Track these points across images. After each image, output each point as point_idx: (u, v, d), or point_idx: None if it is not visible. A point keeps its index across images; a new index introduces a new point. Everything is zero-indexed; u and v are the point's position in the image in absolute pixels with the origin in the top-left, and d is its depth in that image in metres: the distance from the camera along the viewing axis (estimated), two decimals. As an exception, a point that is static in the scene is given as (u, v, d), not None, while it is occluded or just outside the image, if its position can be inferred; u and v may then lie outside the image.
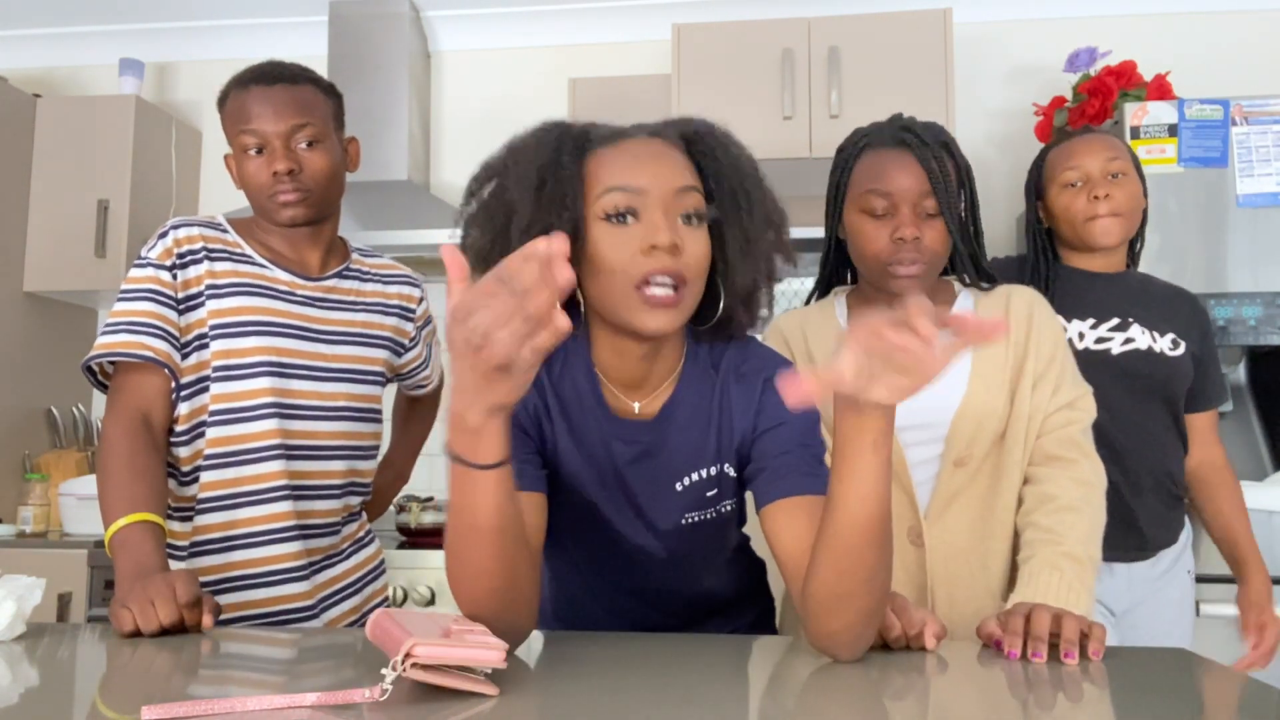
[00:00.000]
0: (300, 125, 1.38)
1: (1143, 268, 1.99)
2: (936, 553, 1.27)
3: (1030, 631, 0.95)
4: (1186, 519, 1.78)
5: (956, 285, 1.39)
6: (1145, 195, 1.76)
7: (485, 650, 0.77)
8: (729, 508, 1.10)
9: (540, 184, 0.98)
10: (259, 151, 1.37)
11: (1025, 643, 0.95)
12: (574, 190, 0.97)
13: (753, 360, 1.08)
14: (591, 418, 1.05)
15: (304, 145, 1.38)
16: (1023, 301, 1.34)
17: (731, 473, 1.07)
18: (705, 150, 1.01)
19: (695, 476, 1.06)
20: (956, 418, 1.26)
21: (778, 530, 0.98)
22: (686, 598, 1.16)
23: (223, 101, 1.42)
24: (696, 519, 1.08)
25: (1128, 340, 1.68)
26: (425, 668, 0.76)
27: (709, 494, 1.07)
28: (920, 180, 1.26)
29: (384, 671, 0.75)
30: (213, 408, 1.35)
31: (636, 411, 1.06)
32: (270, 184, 1.37)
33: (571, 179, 0.97)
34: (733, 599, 1.21)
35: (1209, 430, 1.80)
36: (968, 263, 1.34)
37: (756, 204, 1.02)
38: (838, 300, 1.42)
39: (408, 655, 0.74)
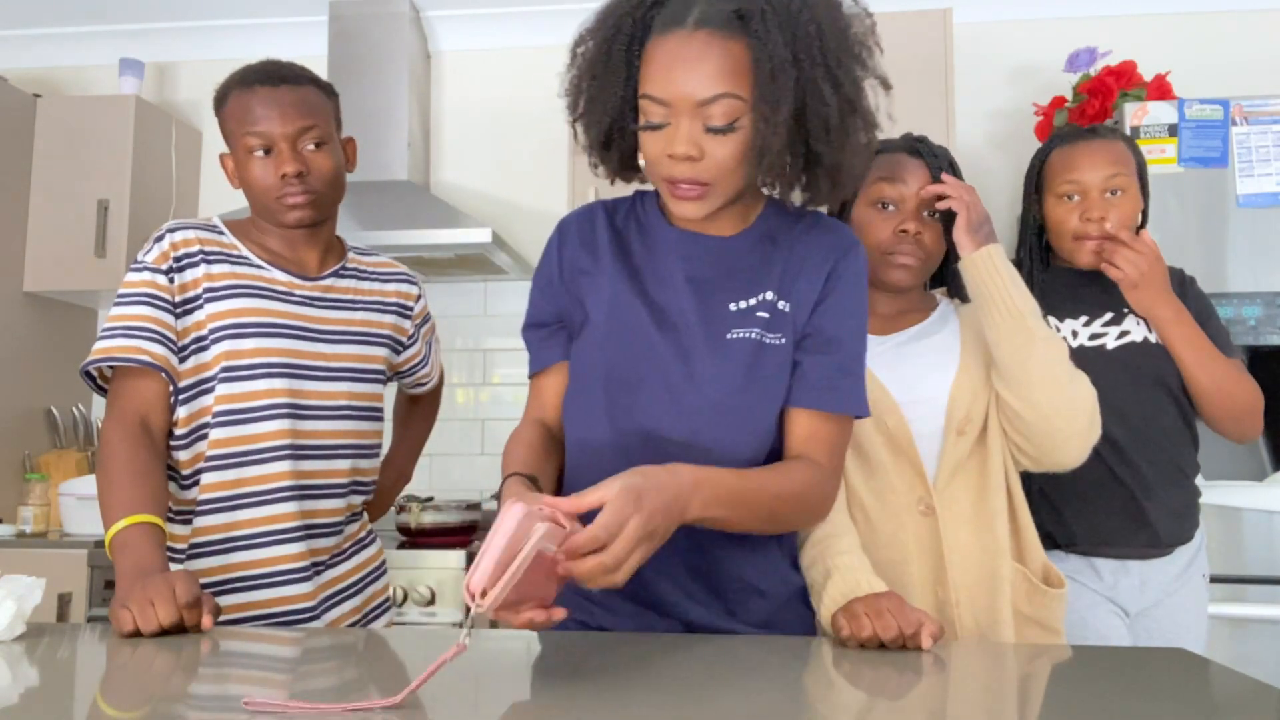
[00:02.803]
0: (307, 127, 1.38)
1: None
2: (948, 522, 1.31)
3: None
4: (1201, 519, 1.75)
5: (938, 295, 1.49)
6: (1146, 196, 1.73)
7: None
8: (778, 341, 1.10)
9: (591, 75, 1.08)
10: (265, 153, 1.37)
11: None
12: (620, 87, 1.05)
13: (838, 228, 1.17)
14: (663, 240, 1.15)
15: (310, 147, 1.39)
16: None
17: (786, 310, 1.11)
18: (755, 33, 0.99)
19: (752, 300, 1.12)
20: (953, 388, 1.34)
21: (786, 430, 1.12)
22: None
23: (221, 101, 1.41)
24: (740, 335, 1.10)
25: (1123, 334, 1.67)
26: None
27: (759, 314, 1.11)
28: (925, 186, 1.38)
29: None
30: (217, 409, 1.35)
31: (711, 233, 1.15)
32: (278, 186, 1.37)
33: (618, 74, 1.05)
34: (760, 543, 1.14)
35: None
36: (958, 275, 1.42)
37: (785, 98, 0.99)
38: None
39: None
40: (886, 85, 1.09)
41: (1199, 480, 1.73)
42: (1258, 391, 1.67)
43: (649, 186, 1.17)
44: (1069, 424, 1.28)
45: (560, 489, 1.16)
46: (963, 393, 1.34)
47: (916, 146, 1.42)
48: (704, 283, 1.12)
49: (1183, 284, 1.73)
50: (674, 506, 0.92)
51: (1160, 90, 2.50)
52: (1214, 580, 1.90)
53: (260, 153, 1.37)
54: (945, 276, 1.50)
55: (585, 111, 1.10)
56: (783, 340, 1.11)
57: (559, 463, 1.17)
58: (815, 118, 1.03)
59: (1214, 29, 2.96)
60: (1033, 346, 1.28)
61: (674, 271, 1.13)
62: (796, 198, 1.13)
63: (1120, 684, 0.83)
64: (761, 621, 1.13)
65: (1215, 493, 2.04)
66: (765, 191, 1.16)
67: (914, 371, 1.36)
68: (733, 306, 1.11)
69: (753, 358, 1.09)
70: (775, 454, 1.12)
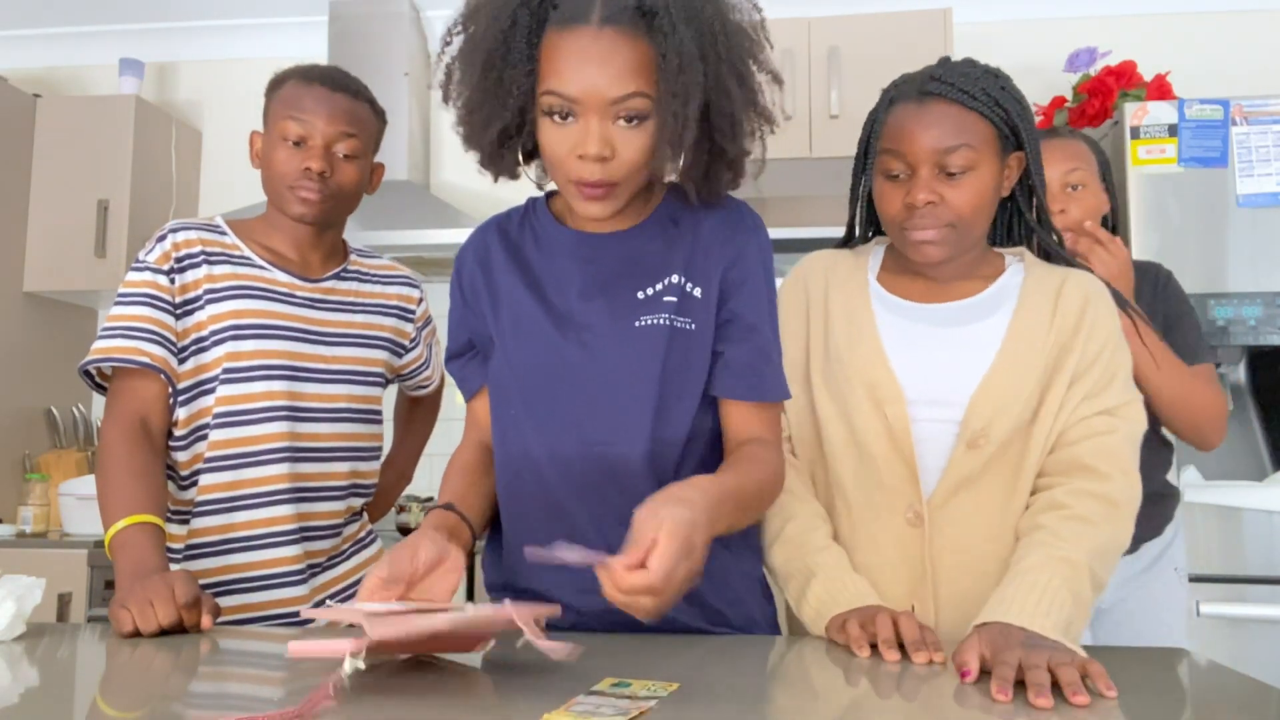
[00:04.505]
0: (348, 134, 1.40)
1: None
2: (941, 541, 1.15)
3: (1029, 682, 0.82)
4: (1177, 514, 1.74)
5: (1009, 258, 1.25)
6: (1113, 197, 1.72)
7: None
8: (689, 326, 1.09)
9: (487, 67, 1.02)
10: (297, 144, 1.38)
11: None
12: (522, 80, 1.01)
13: (741, 207, 1.16)
14: (560, 244, 1.14)
15: (343, 155, 1.40)
16: (1077, 290, 1.19)
17: (697, 294, 1.10)
18: (661, 29, 0.98)
19: (659, 285, 1.10)
20: (976, 394, 1.14)
21: (723, 421, 1.12)
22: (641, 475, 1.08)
23: (277, 85, 1.43)
24: (648, 321, 1.08)
25: None
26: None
27: (667, 299, 1.09)
28: (944, 135, 1.14)
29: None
30: (217, 410, 1.35)
31: (608, 229, 1.13)
32: (296, 176, 1.38)
33: (520, 66, 1.00)
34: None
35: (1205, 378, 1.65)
36: (1031, 232, 1.25)
37: (695, 93, 0.99)
38: (874, 252, 1.30)
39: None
40: (779, 80, 1.09)
41: (1196, 479, 1.73)
42: (1220, 400, 1.64)
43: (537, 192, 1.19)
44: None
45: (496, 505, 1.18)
46: (985, 401, 1.14)
47: (931, 87, 1.16)
48: (607, 279, 1.11)
49: (1157, 280, 1.71)
50: (705, 528, 0.89)
51: (1160, 90, 2.50)
52: (1213, 580, 1.89)
53: (293, 141, 1.39)
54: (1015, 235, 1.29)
55: (481, 108, 1.04)
56: (693, 326, 1.09)
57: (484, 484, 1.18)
58: (720, 114, 1.04)
59: (1214, 29, 2.96)
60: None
61: (573, 273, 1.12)
62: (693, 192, 1.11)
63: (1119, 684, 0.83)
64: (719, 613, 1.12)
65: (1215, 493, 2.04)
66: (668, 180, 1.16)
67: (935, 362, 1.17)
68: (640, 295, 1.10)
69: (665, 345, 1.07)
70: (694, 441, 1.11)
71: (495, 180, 1.14)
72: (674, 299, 1.09)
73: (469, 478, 1.17)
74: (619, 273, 1.11)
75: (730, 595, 1.13)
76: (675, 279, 1.10)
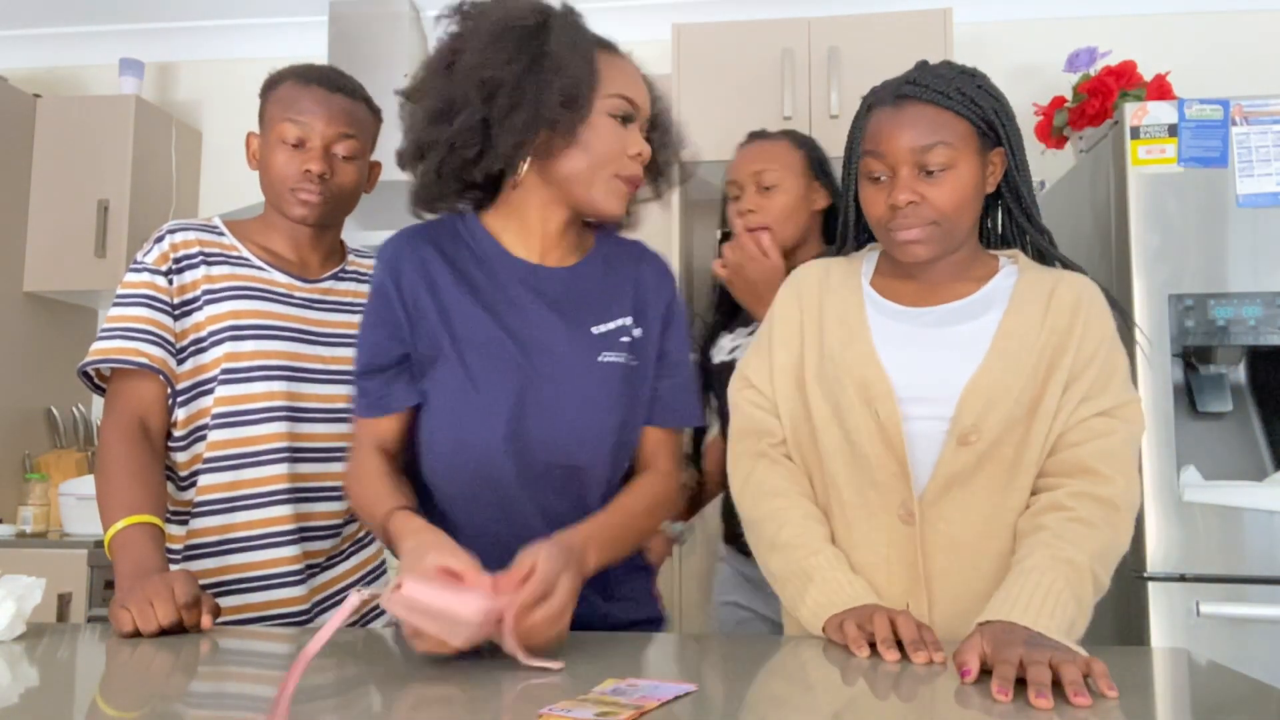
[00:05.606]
0: (347, 135, 1.40)
1: (1142, 269, 1.98)
2: (934, 540, 1.15)
3: (1030, 680, 0.82)
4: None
5: (1002, 260, 1.26)
6: (833, 193, 1.70)
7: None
8: (634, 363, 1.19)
9: (537, 58, 1.10)
10: (296, 146, 1.38)
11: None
12: (588, 80, 1.11)
13: (661, 257, 1.27)
14: (508, 270, 1.18)
15: (342, 155, 1.41)
16: (1070, 291, 1.19)
17: (639, 334, 1.20)
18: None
19: (612, 324, 1.18)
20: (966, 390, 1.14)
21: (640, 446, 1.22)
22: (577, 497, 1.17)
23: (273, 85, 1.43)
24: (611, 359, 1.17)
25: None
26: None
27: (622, 339, 1.19)
28: (920, 134, 1.16)
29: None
30: (216, 410, 1.35)
31: (553, 263, 1.20)
32: (297, 178, 1.38)
33: (589, 64, 1.12)
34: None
35: None
36: (1023, 232, 1.26)
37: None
38: (868, 257, 1.31)
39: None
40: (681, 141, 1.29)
41: (1196, 479, 1.72)
42: None
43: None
44: None
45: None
46: (975, 398, 1.14)
47: (905, 90, 1.19)
48: (563, 311, 1.17)
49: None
50: (578, 566, 1.00)
51: (1160, 90, 2.50)
52: (1212, 580, 1.88)
53: (292, 143, 1.39)
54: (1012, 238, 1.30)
55: (523, 83, 1.11)
56: (637, 363, 1.19)
57: (409, 486, 1.17)
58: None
59: (1214, 29, 2.96)
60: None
61: (527, 302, 1.17)
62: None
63: (1120, 684, 0.83)
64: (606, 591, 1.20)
65: (1215, 492, 2.04)
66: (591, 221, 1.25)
67: (926, 361, 1.18)
68: (595, 330, 1.17)
69: (624, 384, 1.17)
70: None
71: (433, 208, 1.21)
72: (627, 339, 1.19)
73: (393, 481, 1.13)
74: (573, 305, 1.18)
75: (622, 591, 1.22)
76: (628, 321, 1.19)
